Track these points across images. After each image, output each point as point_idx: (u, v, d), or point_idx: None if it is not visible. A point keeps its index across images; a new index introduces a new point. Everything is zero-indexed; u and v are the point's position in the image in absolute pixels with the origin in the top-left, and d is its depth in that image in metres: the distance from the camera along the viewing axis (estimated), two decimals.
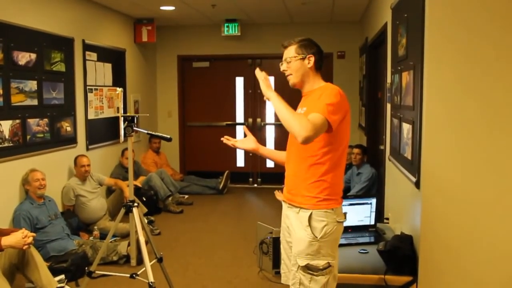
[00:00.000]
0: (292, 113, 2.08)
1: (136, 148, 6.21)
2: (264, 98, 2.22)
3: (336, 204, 2.24)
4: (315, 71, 2.30)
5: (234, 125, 7.71)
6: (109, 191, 5.45)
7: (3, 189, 3.94)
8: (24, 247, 3.01)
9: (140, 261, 3.46)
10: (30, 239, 3.02)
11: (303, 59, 2.27)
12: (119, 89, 3.24)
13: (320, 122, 2.06)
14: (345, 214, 2.29)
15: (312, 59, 2.28)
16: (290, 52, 2.30)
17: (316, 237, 2.16)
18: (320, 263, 2.17)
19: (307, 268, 2.17)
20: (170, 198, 6.02)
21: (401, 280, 2.76)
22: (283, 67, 2.33)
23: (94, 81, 5.50)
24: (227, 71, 7.64)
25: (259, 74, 2.27)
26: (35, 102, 4.35)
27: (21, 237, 2.98)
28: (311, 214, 2.18)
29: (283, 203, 2.39)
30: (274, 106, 2.17)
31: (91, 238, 4.52)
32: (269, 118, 7.58)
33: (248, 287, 3.69)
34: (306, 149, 2.20)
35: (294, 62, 2.28)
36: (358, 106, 6.64)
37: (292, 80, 2.31)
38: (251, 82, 7.48)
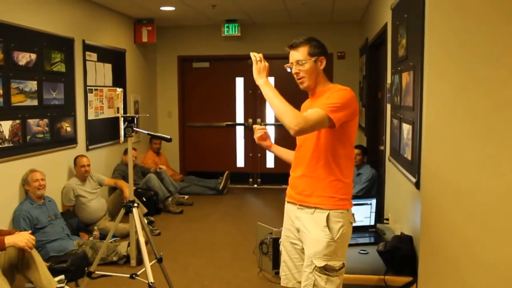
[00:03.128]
0: (284, 104, 2.06)
1: (137, 148, 6.21)
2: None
3: (350, 205, 2.26)
4: (323, 71, 2.29)
5: (234, 125, 7.71)
6: (113, 189, 5.44)
7: (3, 189, 3.94)
8: (26, 248, 3.02)
9: (140, 262, 3.46)
10: (33, 242, 3.05)
11: (316, 61, 2.23)
12: (119, 90, 3.24)
13: (317, 117, 2.05)
14: (352, 215, 2.30)
15: (324, 61, 2.25)
16: (302, 53, 2.23)
17: (334, 238, 2.16)
18: (336, 264, 2.18)
19: (325, 269, 2.16)
20: (170, 199, 6.02)
21: (401, 280, 2.76)
22: (295, 69, 2.25)
23: (94, 81, 5.50)
24: (227, 72, 7.64)
25: (254, 55, 2.21)
26: (35, 102, 4.35)
27: (26, 237, 3.01)
28: (328, 214, 2.18)
29: (289, 204, 2.37)
30: (264, 94, 2.13)
31: (91, 238, 4.52)
32: (269, 118, 7.58)
33: (247, 287, 3.69)
34: (321, 148, 2.20)
35: (308, 64, 2.23)
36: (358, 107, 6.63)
37: (306, 83, 2.25)
38: (251, 82, 7.47)
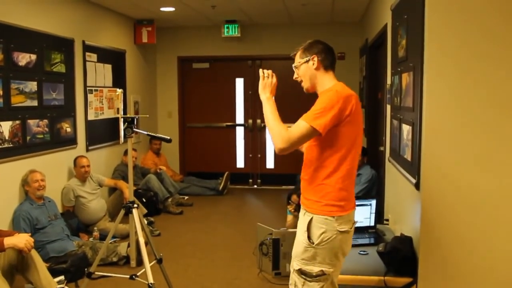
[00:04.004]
0: (276, 122, 2.12)
1: (137, 149, 6.21)
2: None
3: (340, 212, 2.14)
4: (324, 71, 2.24)
5: (234, 126, 7.71)
6: (113, 189, 5.43)
7: (3, 190, 3.94)
8: (25, 250, 3.02)
9: (139, 262, 3.46)
10: (32, 244, 3.05)
11: (307, 61, 2.24)
12: (119, 90, 3.24)
13: (300, 132, 2.05)
14: (354, 222, 2.24)
15: (316, 59, 2.22)
16: (296, 59, 2.30)
17: (312, 243, 2.13)
18: (314, 269, 2.15)
19: (301, 273, 2.17)
20: (170, 199, 6.02)
21: (401, 281, 2.76)
22: (294, 75, 2.32)
23: (94, 82, 5.50)
24: (227, 72, 7.64)
25: (263, 71, 2.27)
26: (35, 103, 4.35)
27: (25, 239, 3.01)
28: (311, 219, 2.16)
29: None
30: (263, 110, 2.21)
31: (91, 239, 4.51)
32: None
33: None
34: (311, 152, 2.20)
35: (301, 67, 2.27)
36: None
37: (305, 85, 2.29)
38: (251, 83, 7.48)
